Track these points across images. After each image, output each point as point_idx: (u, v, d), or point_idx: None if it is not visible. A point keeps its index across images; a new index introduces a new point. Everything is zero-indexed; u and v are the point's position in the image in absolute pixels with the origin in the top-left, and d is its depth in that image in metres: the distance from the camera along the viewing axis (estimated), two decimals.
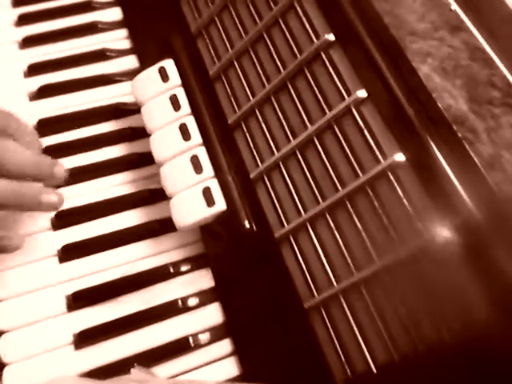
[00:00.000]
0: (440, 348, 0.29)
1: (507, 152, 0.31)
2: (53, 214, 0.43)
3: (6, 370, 0.37)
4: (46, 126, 0.47)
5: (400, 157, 0.31)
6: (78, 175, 0.45)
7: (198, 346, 0.38)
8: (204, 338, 0.38)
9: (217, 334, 0.39)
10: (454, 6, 0.39)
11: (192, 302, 0.40)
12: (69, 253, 0.41)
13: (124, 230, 0.43)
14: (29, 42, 0.52)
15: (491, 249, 0.28)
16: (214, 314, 0.39)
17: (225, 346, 0.38)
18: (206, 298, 0.40)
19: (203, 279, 0.41)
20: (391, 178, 0.32)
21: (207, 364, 0.38)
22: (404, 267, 0.30)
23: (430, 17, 0.38)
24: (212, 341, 0.38)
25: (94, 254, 0.42)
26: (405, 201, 0.31)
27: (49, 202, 0.39)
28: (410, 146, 0.32)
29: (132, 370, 0.34)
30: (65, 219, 0.43)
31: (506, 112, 0.34)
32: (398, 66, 0.34)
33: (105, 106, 0.48)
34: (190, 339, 0.38)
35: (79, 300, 0.40)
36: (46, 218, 0.43)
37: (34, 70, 0.50)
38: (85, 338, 0.38)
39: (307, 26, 0.38)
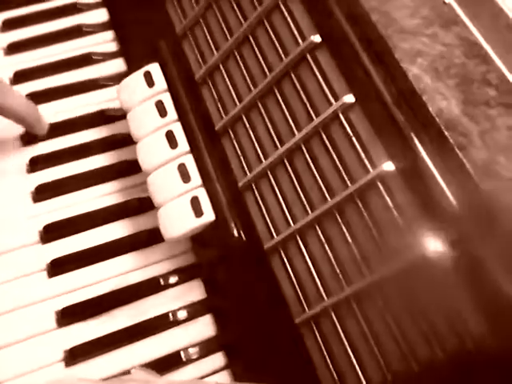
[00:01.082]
0: (433, 363, 0.28)
1: (503, 156, 0.30)
2: (41, 227, 0.42)
3: None
4: (34, 137, 0.46)
5: (389, 166, 0.30)
6: (66, 185, 0.44)
7: (190, 360, 0.37)
8: (196, 351, 0.38)
9: (209, 347, 0.38)
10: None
11: (183, 314, 0.39)
12: (58, 267, 0.41)
13: (113, 242, 0.42)
14: (14, 48, 0.51)
15: (483, 259, 0.27)
16: (205, 327, 0.39)
17: (217, 359, 0.38)
18: (197, 310, 0.39)
19: (194, 291, 0.40)
20: (380, 187, 0.30)
21: (200, 378, 0.37)
22: (394, 280, 0.29)
23: (422, 12, 0.36)
24: (204, 355, 0.38)
25: (83, 268, 0.41)
26: (394, 211, 0.30)
27: None
28: (400, 153, 0.30)
29: (132, 370, 0.34)
30: (53, 232, 0.42)
31: (501, 113, 0.32)
32: (386, 67, 0.32)
33: (91, 112, 0.47)
34: (182, 353, 0.38)
35: (69, 315, 0.39)
36: (34, 231, 0.42)
37: (20, 76, 0.49)
38: (76, 355, 0.38)
39: (292, 26, 0.36)
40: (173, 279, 0.40)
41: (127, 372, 0.37)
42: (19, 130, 0.46)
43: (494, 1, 0.37)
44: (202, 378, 0.37)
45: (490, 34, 0.36)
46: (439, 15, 0.36)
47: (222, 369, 0.37)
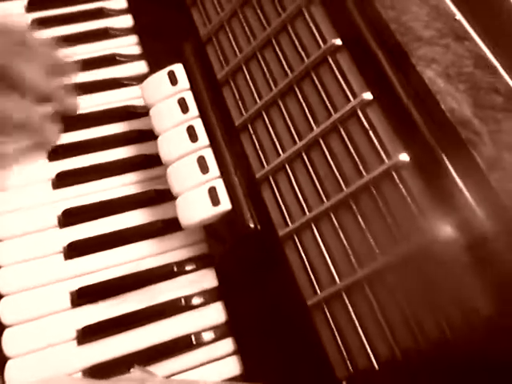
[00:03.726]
0: (442, 344, 0.29)
1: (508, 153, 0.32)
2: (60, 211, 0.43)
3: (8, 364, 0.37)
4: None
5: (404, 157, 0.32)
6: (87, 174, 0.45)
7: (200, 344, 0.38)
8: (206, 336, 0.39)
9: (219, 332, 0.39)
10: (459, 16, 0.40)
11: (195, 300, 0.40)
12: (74, 250, 0.42)
13: (129, 229, 0.43)
14: None
15: (493, 246, 0.29)
16: (216, 313, 0.40)
17: (227, 344, 0.38)
18: (208, 297, 0.40)
19: (206, 279, 0.41)
20: (395, 177, 0.32)
21: (209, 362, 0.38)
22: (406, 265, 0.31)
23: (435, 25, 0.39)
24: (214, 339, 0.38)
25: (99, 252, 0.42)
26: (408, 200, 0.31)
27: (50, 130, 0.42)
28: (415, 146, 0.32)
29: (131, 370, 0.34)
30: (72, 217, 0.43)
31: (508, 117, 0.34)
32: (403, 69, 0.34)
33: (114, 108, 0.49)
34: (193, 337, 0.38)
35: (83, 296, 0.40)
36: (53, 216, 0.43)
37: None
38: (88, 334, 0.38)
39: (315, 31, 0.39)
40: (186, 267, 0.41)
41: (137, 353, 0.38)
42: None
43: (501, 18, 0.40)
44: (212, 361, 0.38)
45: (497, 49, 0.39)
46: (451, 29, 0.39)
47: (231, 354, 0.38)
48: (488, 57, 0.38)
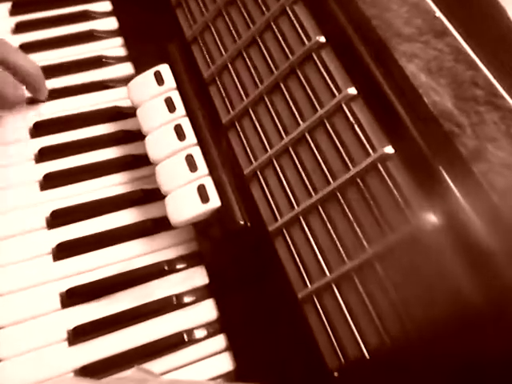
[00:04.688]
0: (430, 332, 0.29)
1: (491, 145, 0.33)
2: (48, 212, 0.43)
3: None
4: (44, 128, 0.48)
5: (389, 149, 0.33)
6: (75, 175, 0.45)
7: (192, 341, 0.38)
8: (198, 333, 0.39)
9: (211, 329, 0.39)
10: (438, 13, 0.41)
11: (186, 298, 0.40)
12: (63, 251, 0.42)
13: (118, 229, 0.43)
14: (26, 48, 0.53)
15: (478, 236, 0.29)
16: (207, 310, 0.40)
17: (219, 341, 0.39)
18: (199, 294, 0.40)
19: (197, 276, 0.41)
20: (381, 169, 0.33)
21: (201, 359, 0.38)
22: (394, 255, 0.31)
23: (416, 22, 0.39)
24: (206, 336, 0.39)
25: (88, 252, 0.42)
26: (394, 191, 0.32)
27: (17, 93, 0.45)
28: (399, 139, 0.33)
29: (132, 370, 0.34)
30: (60, 218, 0.43)
31: (489, 110, 0.35)
32: (385, 64, 0.35)
33: (101, 109, 0.49)
34: (185, 335, 0.39)
35: (73, 296, 0.40)
36: (41, 217, 0.43)
37: None
38: (79, 334, 0.38)
39: (299, 29, 0.39)
40: (177, 265, 0.41)
41: (129, 352, 0.38)
42: (30, 121, 0.48)
43: (481, 15, 0.41)
44: (204, 358, 0.38)
45: (477, 44, 0.40)
46: (431, 26, 0.40)
47: (223, 350, 0.38)
48: (468, 52, 0.39)
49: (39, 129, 0.48)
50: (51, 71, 0.51)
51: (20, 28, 0.54)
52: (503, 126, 0.34)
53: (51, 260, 0.42)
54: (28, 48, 0.52)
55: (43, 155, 0.46)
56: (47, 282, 0.41)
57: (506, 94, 0.36)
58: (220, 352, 0.38)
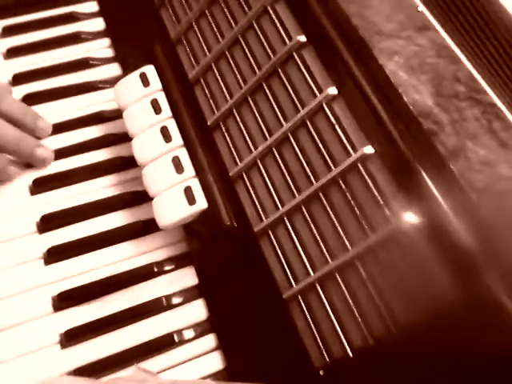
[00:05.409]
0: (411, 330, 0.30)
1: (471, 142, 0.33)
2: (38, 217, 0.44)
3: None
4: None
5: (369, 149, 0.33)
6: (64, 179, 0.46)
7: (183, 341, 0.39)
8: (188, 333, 0.39)
9: (201, 329, 0.39)
10: (422, 7, 0.41)
11: (176, 299, 0.41)
12: (54, 255, 0.42)
13: (108, 232, 0.44)
14: (13, 52, 0.53)
15: (457, 235, 0.30)
16: (197, 311, 0.40)
17: (209, 340, 0.39)
18: (189, 295, 0.41)
19: (187, 277, 0.42)
20: (361, 169, 0.33)
21: (192, 359, 0.39)
22: (375, 255, 0.32)
23: (398, 17, 0.39)
24: (196, 336, 0.39)
25: (79, 256, 0.42)
26: (375, 191, 0.32)
27: (41, 155, 0.45)
28: (379, 138, 0.33)
29: (132, 370, 0.35)
30: (50, 222, 0.44)
31: (471, 105, 0.35)
32: (365, 63, 0.35)
33: (89, 112, 0.50)
34: (175, 335, 0.39)
35: (65, 300, 0.40)
36: (31, 222, 0.44)
37: (19, 79, 0.51)
38: (71, 337, 0.39)
39: (280, 28, 0.39)
40: (166, 266, 0.42)
41: (121, 353, 0.39)
42: None
43: (462, 11, 0.41)
44: (195, 358, 0.39)
45: (459, 39, 0.40)
46: (413, 21, 0.40)
47: (213, 349, 0.39)
48: (451, 47, 0.39)
49: None
50: (39, 74, 0.52)
51: (6, 32, 0.54)
52: (485, 122, 0.34)
53: (43, 264, 0.42)
54: (14, 52, 0.52)
55: None
56: (39, 286, 0.41)
57: (489, 89, 0.36)
58: (210, 351, 0.39)
